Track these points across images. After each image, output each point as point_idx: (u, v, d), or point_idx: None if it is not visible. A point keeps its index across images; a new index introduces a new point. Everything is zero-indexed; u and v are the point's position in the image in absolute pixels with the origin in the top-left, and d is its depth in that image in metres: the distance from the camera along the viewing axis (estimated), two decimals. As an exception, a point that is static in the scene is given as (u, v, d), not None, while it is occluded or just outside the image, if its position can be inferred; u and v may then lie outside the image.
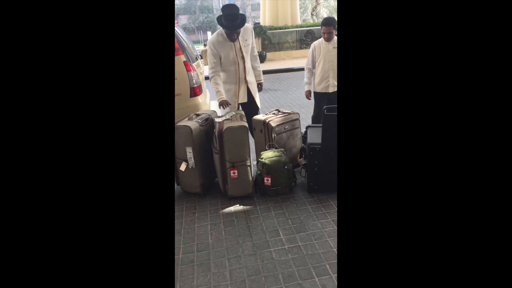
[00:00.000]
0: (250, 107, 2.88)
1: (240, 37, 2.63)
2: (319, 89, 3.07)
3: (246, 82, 2.79)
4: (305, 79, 3.12)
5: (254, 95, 2.88)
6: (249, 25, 2.75)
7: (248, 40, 2.73)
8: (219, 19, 2.59)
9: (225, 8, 2.57)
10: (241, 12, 2.60)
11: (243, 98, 2.82)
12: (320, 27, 2.98)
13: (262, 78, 3.03)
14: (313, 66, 3.05)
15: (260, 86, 2.99)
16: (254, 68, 2.89)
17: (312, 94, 3.16)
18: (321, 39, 2.97)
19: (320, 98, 3.10)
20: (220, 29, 2.68)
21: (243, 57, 2.71)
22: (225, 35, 2.62)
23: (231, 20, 2.52)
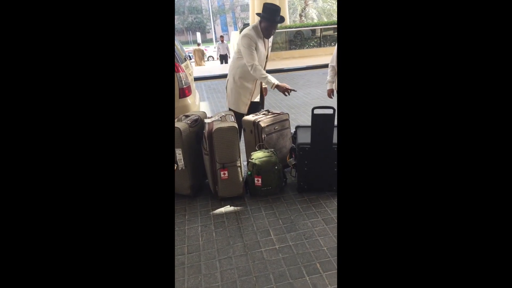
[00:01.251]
0: (258, 107, 2.92)
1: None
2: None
3: (260, 81, 2.81)
4: (328, 77, 3.03)
5: (264, 95, 2.95)
6: None
7: (270, 42, 2.76)
8: (258, 14, 2.59)
9: (269, 3, 2.58)
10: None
11: (256, 97, 2.85)
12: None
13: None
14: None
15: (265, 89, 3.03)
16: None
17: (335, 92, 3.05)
18: None
19: None
20: (251, 26, 2.62)
21: (267, 57, 2.75)
22: (259, 30, 2.57)
23: (274, 15, 2.52)
